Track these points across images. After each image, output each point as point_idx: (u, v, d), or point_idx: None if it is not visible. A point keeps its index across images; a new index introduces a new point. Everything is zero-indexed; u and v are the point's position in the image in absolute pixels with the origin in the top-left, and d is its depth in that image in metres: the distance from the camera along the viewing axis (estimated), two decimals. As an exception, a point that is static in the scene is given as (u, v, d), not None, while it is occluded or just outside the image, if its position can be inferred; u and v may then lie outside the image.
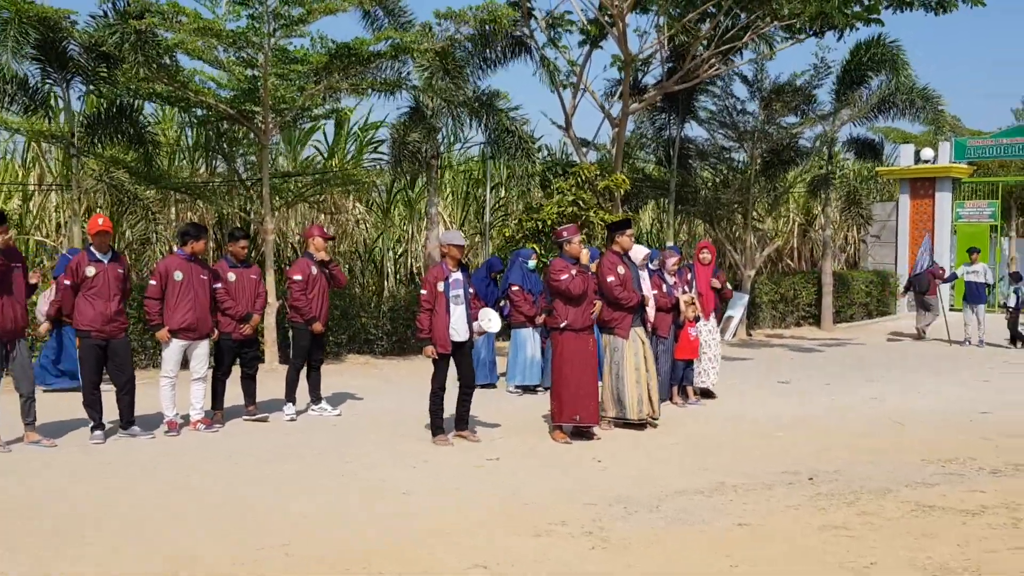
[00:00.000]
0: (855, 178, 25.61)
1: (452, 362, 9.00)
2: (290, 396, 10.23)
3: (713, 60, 16.86)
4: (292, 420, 10.04)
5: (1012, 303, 18.33)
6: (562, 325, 9.18)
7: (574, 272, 9.14)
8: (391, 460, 8.19)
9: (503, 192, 21.50)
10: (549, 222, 15.74)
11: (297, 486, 7.29)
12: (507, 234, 16.36)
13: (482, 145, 17.66)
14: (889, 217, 25.09)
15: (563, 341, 9.23)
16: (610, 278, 9.25)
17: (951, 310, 20.34)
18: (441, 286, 8.75)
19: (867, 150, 22.70)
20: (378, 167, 20.14)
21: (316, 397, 10.51)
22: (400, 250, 21.63)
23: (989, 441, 9.22)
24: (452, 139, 20.70)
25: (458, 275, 8.89)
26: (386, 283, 20.52)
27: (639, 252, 10.45)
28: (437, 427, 8.89)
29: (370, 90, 15.00)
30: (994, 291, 23.46)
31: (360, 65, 14.00)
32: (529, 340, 12.21)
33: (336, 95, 15.24)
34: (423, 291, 8.78)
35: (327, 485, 7.32)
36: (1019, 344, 17.97)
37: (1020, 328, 18.24)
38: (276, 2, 12.73)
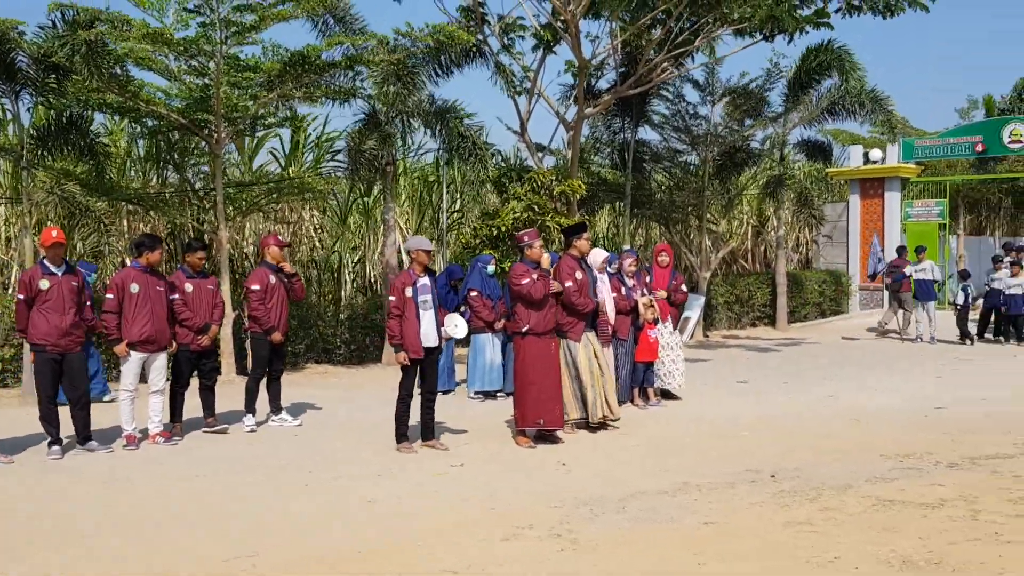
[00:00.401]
0: (806, 179, 25.98)
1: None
2: (250, 407, 10.14)
3: (665, 64, 17.01)
4: (252, 431, 9.95)
5: (961, 300, 18.69)
6: (524, 329, 9.22)
7: (535, 276, 9.18)
8: (355, 469, 8.16)
9: (459, 198, 21.50)
10: (505, 228, 15.77)
11: (261, 497, 7.24)
12: (464, 241, 16.36)
13: (437, 151, 17.63)
14: (840, 217, 25.49)
15: (525, 346, 9.26)
16: (568, 283, 9.30)
17: (900, 308, 20.67)
18: (409, 292, 8.75)
19: (817, 152, 23.03)
20: (334, 175, 20.07)
21: (276, 407, 10.43)
22: (357, 257, 21.54)
23: (945, 436, 9.40)
24: (407, 146, 20.68)
25: (426, 280, 8.89)
26: (343, 291, 20.41)
27: (598, 256, 10.53)
28: (402, 434, 8.88)
29: (324, 98, 14.91)
30: (944, 289, 23.92)
31: (314, 74, 13.93)
32: (488, 346, 12.24)
33: (289, 103, 15.15)
34: (392, 297, 8.77)
35: (292, 495, 7.28)
36: (968, 341, 18.32)
37: (970, 325, 18.61)
38: (228, 10, 12.63)
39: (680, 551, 5.77)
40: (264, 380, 10.29)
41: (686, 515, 6.57)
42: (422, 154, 21.76)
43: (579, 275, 9.57)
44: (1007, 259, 18.64)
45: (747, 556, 5.67)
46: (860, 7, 14.34)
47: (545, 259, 9.31)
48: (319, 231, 21.07)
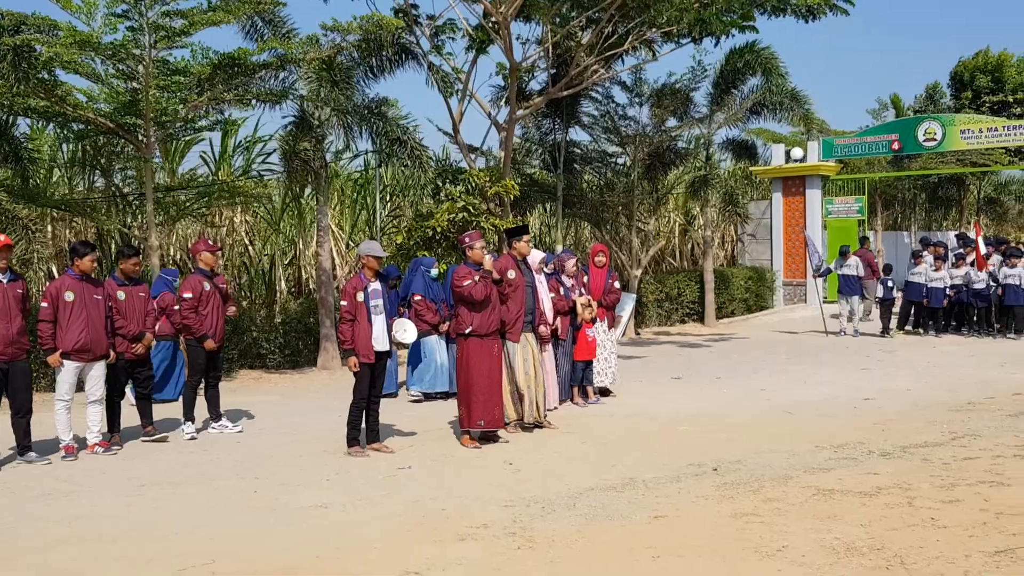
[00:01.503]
0: (731, 178, 26.46)
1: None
2: (188, 415, 10.02)
3: (596, 66, 17.20)
4: (193, 439, 9.83)
5: (882, 294, 19.24)
6: (467, 331, 9.26)
7: (476, 278, 9.22)
8: (303, 474, 8.11)
9: (391, 200, 21.43)
10: (440, 229, 15.80)
11: (210, 505, 7.16)
12: (399, 242, 16.33)
13: (371, 153, 17.55)
14: (764, 215, 26.01)
15: (468, 347, 9.30)
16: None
17: (825, 302, 21.22)
18: (361, 296, 8.73)
19: (742, 151, 23.52)
20: (265, 178, 19.85)
21: (216, 414, 10.31)
22: (289, 261, 21.33)
23: (876, 426, 9.70)
24: (342, 148, 20.53)
25: (377, 285, 8.89)
26: (277, 296, 20.19)
27: (535, 257, 10.62)
28: (353, 438, 8.85)
29: (256, 100, 14.76)
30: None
31: (244, 76, 13.78)
32: (437, 348, 12.26)
33: (220, 106, 14.95)
34: (343, 302, 8.74)
35: (243, 502, 7.21)
36: (889, 333, 18.87)
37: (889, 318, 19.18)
38: (156, 14, 12.42)
39: (634, 546, 5.88)
40: (201, 387, 10.18)
41: (636, 510, 6.69)
42: (357, 157, 21.62)
43: (512, 274, 9.62)
44: (926, 254, 19.24)
45: (699, 548, 5.81)
46: (784, 10, 14.69)
47: (487, 260, 9.37)
48: (250, 234, 20.80)
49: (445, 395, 12.28)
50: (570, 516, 6.58)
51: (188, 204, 16.56)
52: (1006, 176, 34.08)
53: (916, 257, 19.15)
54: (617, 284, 12.10)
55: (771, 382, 13.06)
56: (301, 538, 6.24)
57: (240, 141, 20.26)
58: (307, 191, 20.34)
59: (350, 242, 21.18)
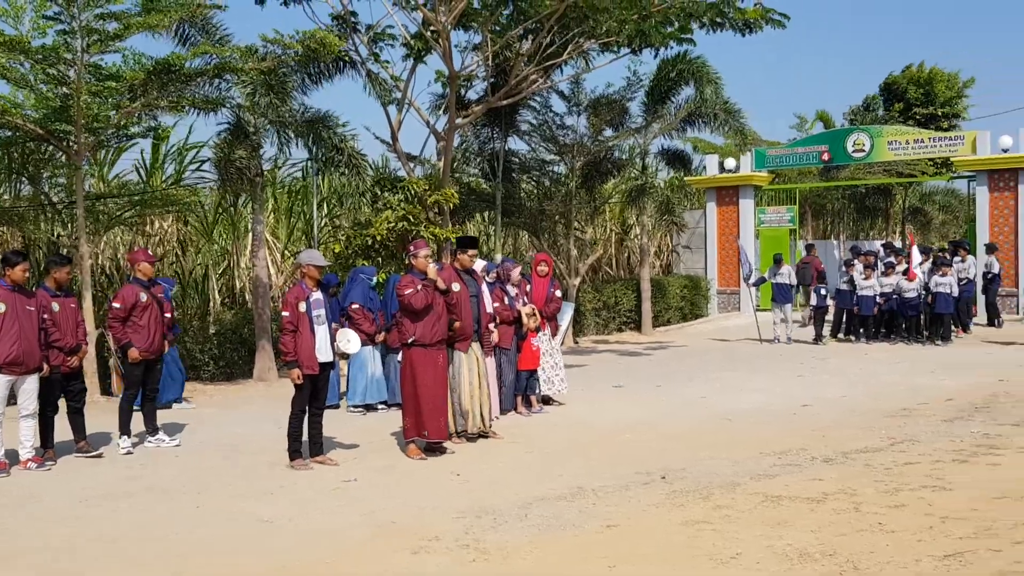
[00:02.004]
0: (667, 188, 26.75)
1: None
2: (124, 428, 9.76)
3: (534, 76, 17.23)
4: (128, 453, 9.58)
5: (815, 302, 19.58)
6: (410, 340, 9.18)
7: (419, 287, 9.15)
8: (247, 488, 7.95)
9: (328, 208, 21.21)
10: (379, 237, 15.66)
11: (155, 522, 6.97)
12: (336, 250, 16.15)
13: (308, 162, 17.35)
14: (698, 224, 26.34)
15: (412, 356, 9.23)
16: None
17: (758, 310, 21.55)
18: (303, 306, 8.59)
19: (677, 161, 23.79)
20: (198, 186, 19.49)
21: (152, 428, 10.06)
22: (222, 270, 20.95)
23: (815, 432, 9.85)
24: (277, 156, 20.24)
25: (318, 295, 8.77)
26: (210, 305, 19.82)
27: (476, 266, 10.60)
28: (295, 451, 8.71)
29: (191, 108, 14.48)
30: (798, 291, 24.97)
31: (180, 83, 13.52)
32: (370, 359, 12.13)
33: (154, 113, 14.63)
34: (285, 313, 8.59)
35: (187, 518, 7.04)
36: (822, 341, 19.20)
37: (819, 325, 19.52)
38: (90, 17, 12.11)
39: (589, 555, 5.87)
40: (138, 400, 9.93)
41: (587, 519, 6.68)
42: (293, 164, 21.38)
43: (455, 286, 9.59)
44: (857, 262, 19.64)
45: (653, 557, 5.81)
46: (722, 24, 14.88)
47: (431, 269, 9.30)
48: (182, 243, 20.40)
49: (387, 405, 12.16)
50: (522, 527, 6.54)
51: (120, 212, 16.16)
52: (930, 187, 35.03)
53: (847, 266, 19.53)
54: (559, 293, 12.12)
55: (710, 389, 13.19)
56: (250, 553, 6.10)
57: (171, 148, 19.84)
58: (241, 199, 20.02)
59: (286, 251, 20.89)
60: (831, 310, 20.04)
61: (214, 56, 13.89)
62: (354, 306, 11.92)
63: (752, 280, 20.44)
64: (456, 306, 9.55)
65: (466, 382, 9.67)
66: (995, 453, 8.58)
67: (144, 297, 9.81)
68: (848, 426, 10.19)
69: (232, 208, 20.55)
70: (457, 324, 9.47)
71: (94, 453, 9.48)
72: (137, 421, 10.02)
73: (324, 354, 8.78)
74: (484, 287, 10.40)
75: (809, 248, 21.13)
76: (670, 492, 7.41)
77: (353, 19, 16.51)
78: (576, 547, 6.05)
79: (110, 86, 12.81)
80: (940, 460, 8.31)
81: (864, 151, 23.60)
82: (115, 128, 13.86)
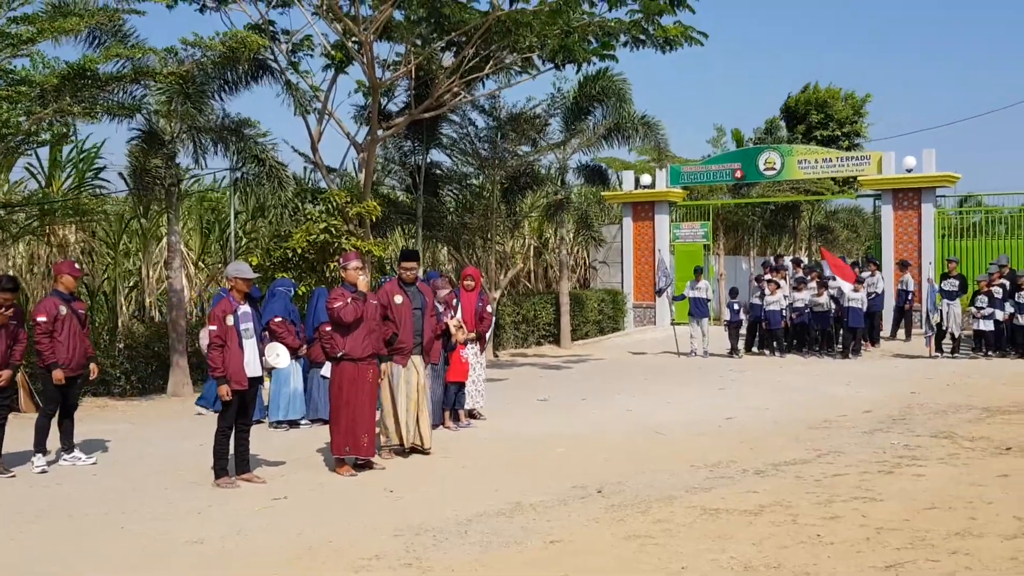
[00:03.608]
0: (585, 202, 26.92)
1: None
2: (40, 446, 9.34)
3: (457, 89, 17.17)
4: (43, 472, 9.15)
5: (729, 317, 19.88)
6: (339, 354, 9.00)
7: (349, 300, 8.98)
8: (172, 509, 7.65)
9: (247, 220, 20.75)
10: (299, 250, 15.38)
11: (77, 544, 6.64)
12: (254, 263, 15.78)
13: (228, 171, 16.93)
14: (615, 239, 26.54)
15: (341, 371, 9.05)
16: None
17: (675, 324, 21.80)
18: (231, 320, 8.33)
19: (595, 176, 23.96)
20: (110, 194, 18.85)
21: (68, 446, 9.64)
22: (132, 283, 20.29)
23: (743, 444, 9.96)
24: (191, 167, 19.72)
25: (246, 308, 8.52)
26: (119, 319, 19.16)
27: (442, 293, 10.55)
28: (222, 468, 8.42)
29: (105, 114, 14.01)
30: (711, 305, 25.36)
31: (95, 88, 13.07)
32: (292, 374, 11.86)
33: (65, 119, 14.11)
34: (212, 327, 8.30)
35: (111, 541, 6.72)
36: (737, 354, 19.50)
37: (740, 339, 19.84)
38: (2, 20, 11.63)
39: (538, 572, 5.77)
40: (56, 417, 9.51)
41: (529, 536, 6.60)
42: (210, 174, 20.84)
43: (399, 299, 9.50)
44: (768, 277, 20.02)
45: (600, 572, 5.75)
46: (644, 41, 15.05)
47: (362, 282, 9.14)
48: (89, 255, 19.69)
49: (310, 421, 11.91)
50: (464, 544, 6.42)
51: (29, 222, 15.53)
52: (836, 205, 36.01)
53: (759, 281, 19.89)
54: (490, 308, 12.05)
55: (635, 403, 13.25)
56: (181, 574, 5.85)
57: (69, 153, 19.02)
58: (152, 209, 19.46)
59: (199, 263, 20.36)
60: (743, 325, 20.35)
61: (128, 61, 13.49)
62: (276, 320, 11.60)
63: (668, 294, 20.67)
64: (396, 319, 9.42)
65: (403, 396, 9.53)
66: (918, 464, 8.77)
67: (63, 310, 9.42)
68: (774, 437, 10.32)
69: (144, 218, 19.95)
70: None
71: (9, 474, 9.01)
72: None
73: (253, 369, 8.54)
74: (428, 300, 10.17)
75: (780, 259, 21.48)
76: (608, 506, 7.37)
77: (271, 28, 16.22)
78: (523, 564, 5.95)
79: (21, 91, 12.31)
80: (867, 471, 8.46)
81: (775, 169, 24.15)
82: (25, 135, 13.33)
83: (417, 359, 9.73)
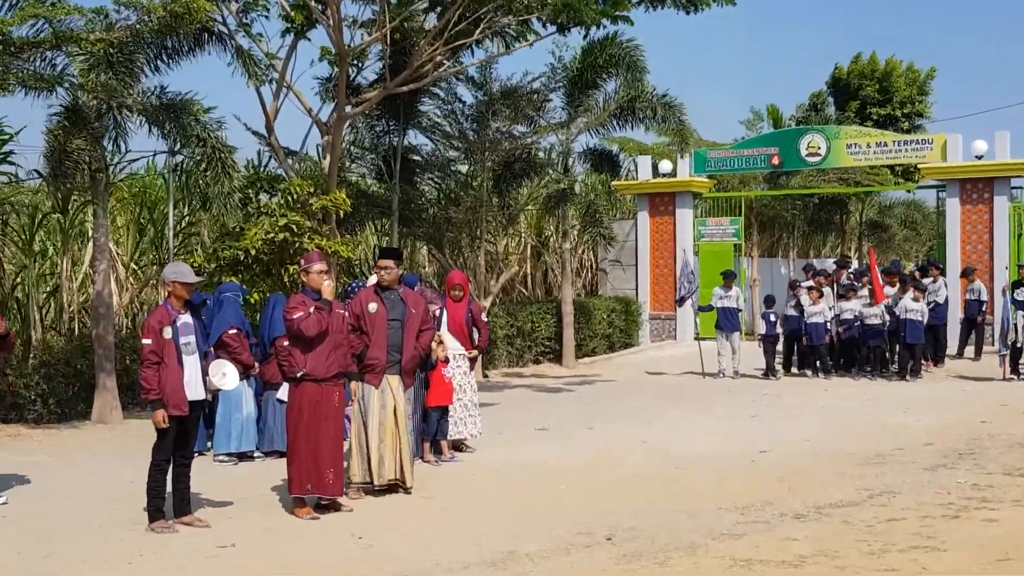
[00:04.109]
0: (592, 193, 26.99)
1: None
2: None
3: (440, 58, 17.18)
4: (-56, 514, 9.16)
5: (764, 330, 19.89)
6: (299, 374, 9.02)
7: (311, 309, 8.99)
8: (100, 556, 7.69)
9: (188, 214, 20.74)
10: (254, 251, 15.36)
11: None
12: (197, 264, 15.76)
13: (167, 156, 16.97)
14: (628, 237, 26.61)
15: (301, 393, 9.08)
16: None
17: (696, 339, 21.84)
18: (168, 332, 8.33)
19: (604, 163, 23.98)
20: (16, 182, 18.83)
21: (-27, 483, 9.66)
22: (49, 289, 20.28)
23: (780, 482, 10.00)
24: (115, 151, 19.69)
25: (188, 318, 8.53)
26: (33, 332, 19.13)
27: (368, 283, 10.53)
28: (157, 509, 8.43)
29: (19, 87, 14.02)
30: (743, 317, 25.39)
31: (7, 55, 13.08)
32: (243, 397, 11.86)
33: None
34: (147, 340, 8.31)
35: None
36: (773, 375, 19.52)
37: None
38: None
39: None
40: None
41: (525, 591, 6.62)
42: (140, 158, 20.85)
43: (373, 307, 9.53)
44: (804, 283, 20.09)
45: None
46: (663, 0, 15.11)
47: (327, 288, 9.15)
48: None
49: (263, 453, 11.92)
50: (447, 601, 6.44)
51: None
52: (892, 198, 36.14)
53: (794, 288, 19.84)
54: (485, 317, 12.10)
55: (651, 432, 13.29)
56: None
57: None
58: (73, 201, 19.43)
59: (131, 265, 20.36)
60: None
61: (48, 23, 13.50)
62: (231, 331, 11.64)
63: (693, 303, 20.69)
64: (368, 330, 9.44)
65: (375, 422, 9.54)
66: (989, 507, 8.82)
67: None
68: (817, 475, 10.36)
69: (63, 211, 19.93)
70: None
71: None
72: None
73: (195, 390, 8.54)
74: (413, 310, 10.14)
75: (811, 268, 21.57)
76: (620, 556, 7.40)
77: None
78: (517, 624, 5.97)
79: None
80: (928, 516, 8.49)
81: (820, 155, 24.24)
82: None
83: (394, 380, 9.73)
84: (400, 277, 10.27)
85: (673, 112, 21.78)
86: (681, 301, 20.47)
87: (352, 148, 20.55)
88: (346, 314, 9.48)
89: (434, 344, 11.21)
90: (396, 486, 9.74)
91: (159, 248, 20.09)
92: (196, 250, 18.65)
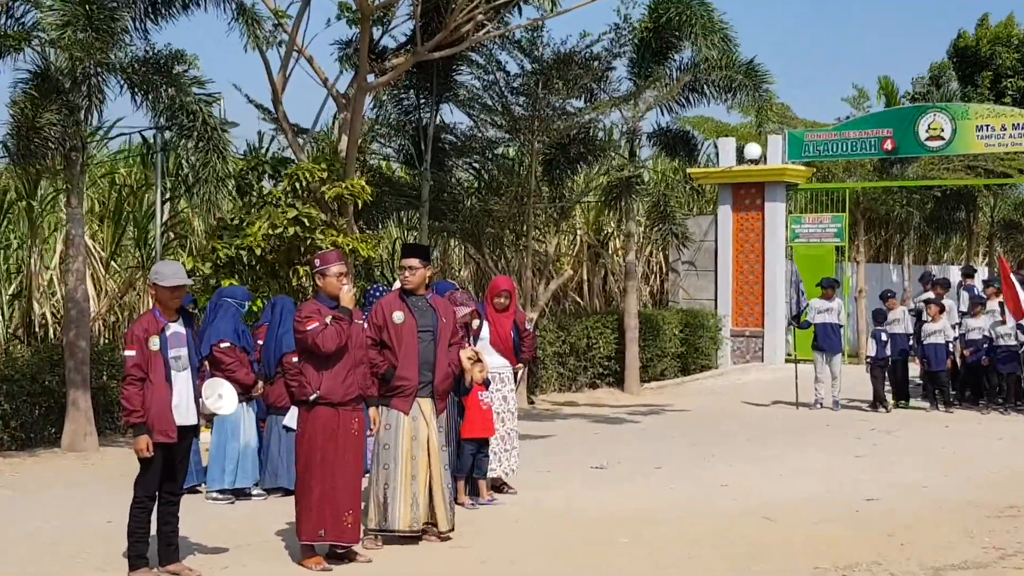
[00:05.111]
0: (662, 183, 26.97)
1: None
2: None
3: (481, 17, 17.23)
4: None
5: (874, 352, 19.73)
6: (312, 397, 9.07)
7: (328, 319, 9.04)
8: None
9: (176, 201, 21.00)
10: (258, 249, 15.47)
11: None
12: (191, 267, 15.91)
13: (155, 133, 17.16)
14: (706, 236, 26.56)
15: (314, 420, 9.11)
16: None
17: (791, 360, 21.72)
18: (155, 343, 8.41)
19: (679, 145, 23.96)
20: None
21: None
22: (13, 289, 20.60)
23: (891, 538, 9.95)
24: (87, 123, 19.91)
25: (179, 327, 8.60)
26: (-4, 339, 19.46)
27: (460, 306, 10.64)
28: (139, 556, 8.53)
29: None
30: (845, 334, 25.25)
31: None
32: (242, 423, 11.95)
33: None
34: (129, 352, 8.40)
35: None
36: (884, 406, 19.37)
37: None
38: None
39: None
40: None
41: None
42: (125, 134, 21.10)
43: (399, 317, 9.55)
44: (920, 298, 19.97)
45: None
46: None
47: (346, 294, 9.19)
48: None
49: (264, 490, 12.01)
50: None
51: None
52: (1029, 192, 35.82)
53: (886, 299, 19.70)
54: (529, 325, 12.14)
55: (734, 474, 13.27)
56: None
57: None
58: (42, 186, 19.73)
59: (112, 263, 20.62)
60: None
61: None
62: (223, 345, 11.73)
63: (792, 314, 20.53)
64: (394, 345, 9.47)
65: (405, 457, 9.56)
66: None
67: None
68: (935, 529, 10.31)
69: (30, 199, 20.23)
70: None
71: None
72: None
73: (185, 414, 8.61)
74: (444, 319, 10.20)
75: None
76: (695, 623, 7.40)
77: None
78: None
79: None
80: (1073, 580, 8.43)
81: (943, 139, 24.07)
82: None
83: (426, 404, 9.74)
84: (429, 282, 10.30)
85: (759, 80, 21.58)
86: (796, 319, 20.07)
87: (375, 126, 20.62)
88: (365, 325, 9.52)
89: (466, 363, 11.19)
90: (431, 533, 9.76)
91: (142, 244, 20.31)
92: (189, 247, 18.82)
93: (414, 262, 9.89)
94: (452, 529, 9.84)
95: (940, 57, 35.56)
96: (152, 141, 17.72)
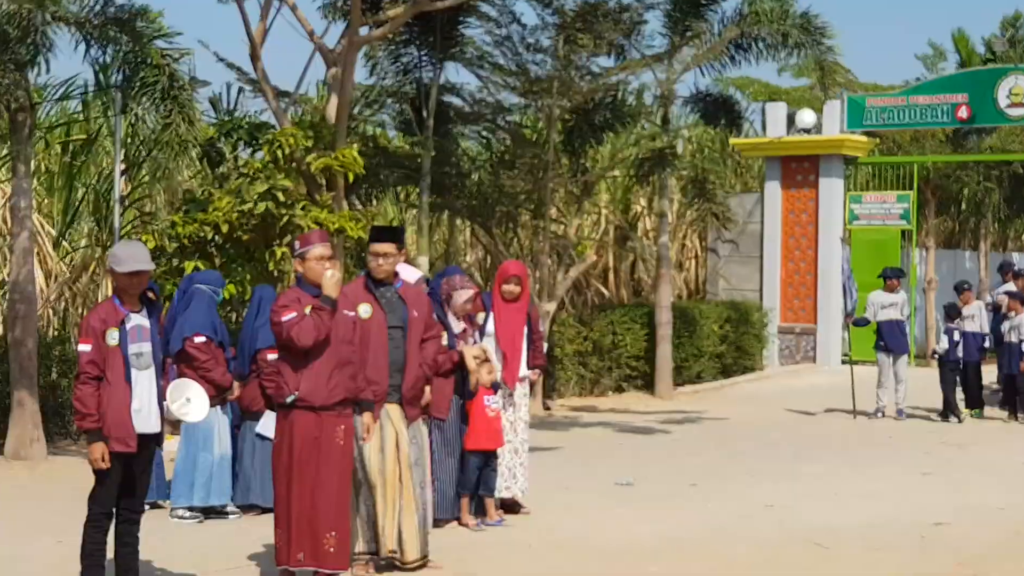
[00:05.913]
0: (700, 154, 26.93)
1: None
2: None
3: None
4: None
5: (945, 349, 19.66)
6: (289, 399, 9.06)
7: (307, 309, 9.04)
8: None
9: (135, 171, 21.04)
10: (226, 227, 15.48)
11: None
12: (153, 245, 15.94)
13: (114, 91, 17.17)
14: (750, 216, 26.50)
15: (291, 427, 9.10)
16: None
17: (847, 362, 21.65)
18: (113, 337, 8.42)
19: (720, 111, 23.91)
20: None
21: None
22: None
23: (962, 568, 9.96)
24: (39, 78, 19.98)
25: (142, 319, 8.59)
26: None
27: (409, 275, 10.54)
28: (93, 582, 8.58)
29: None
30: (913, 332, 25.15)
31: None
32: (214, 431, 11.97)
33: None
34: (84, 347, 8.39)
35: None
36: (955, 416, 19.32)
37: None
38: None
39: None
40: None
41: None
42: (75, 93, 21.15)
43: (365, 309, 9.46)
44: (999, 291, 19.95)
45: None
46: None
47: (330, 280, 9.16)
48: None
49: (238, 508, 12.04)
50: None
51: None
52: None
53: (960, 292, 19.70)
54: (543, 327, 12.13)
55: (781, 492, 13.28)
56: None
57: None
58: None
59: (62, 240, 20.68)
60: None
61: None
62: (197, 339, 11.72)
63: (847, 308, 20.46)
64: (360, 342, 9.44)
65: (376, 472, 9.56)
66: None
67: None
68: (1013, 558, 10.30)
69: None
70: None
71: None
72: None
73: (147, 420, 8.62)
74: (414, 312, 10.22)
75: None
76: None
77: None
78: None
79: None
80: None
81: (1026, 105, 23.99)
82: None
83: (394, 411, 9.70)
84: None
85: (815, 37, 21.52)
86: (850, 316, 19.98)
87: (369, 87, 20.63)
88: (353, 317, 9.49)
89: (471, 362, 11.18)
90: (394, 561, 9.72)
91: (102, 221, 20.34)
92: (152, 225, 18.84)
93: (389, 247, 9.72)
94: (425, 557, 9.77)
95: (1014, 8, 35.34)
96: (114, 105, 17.65)
